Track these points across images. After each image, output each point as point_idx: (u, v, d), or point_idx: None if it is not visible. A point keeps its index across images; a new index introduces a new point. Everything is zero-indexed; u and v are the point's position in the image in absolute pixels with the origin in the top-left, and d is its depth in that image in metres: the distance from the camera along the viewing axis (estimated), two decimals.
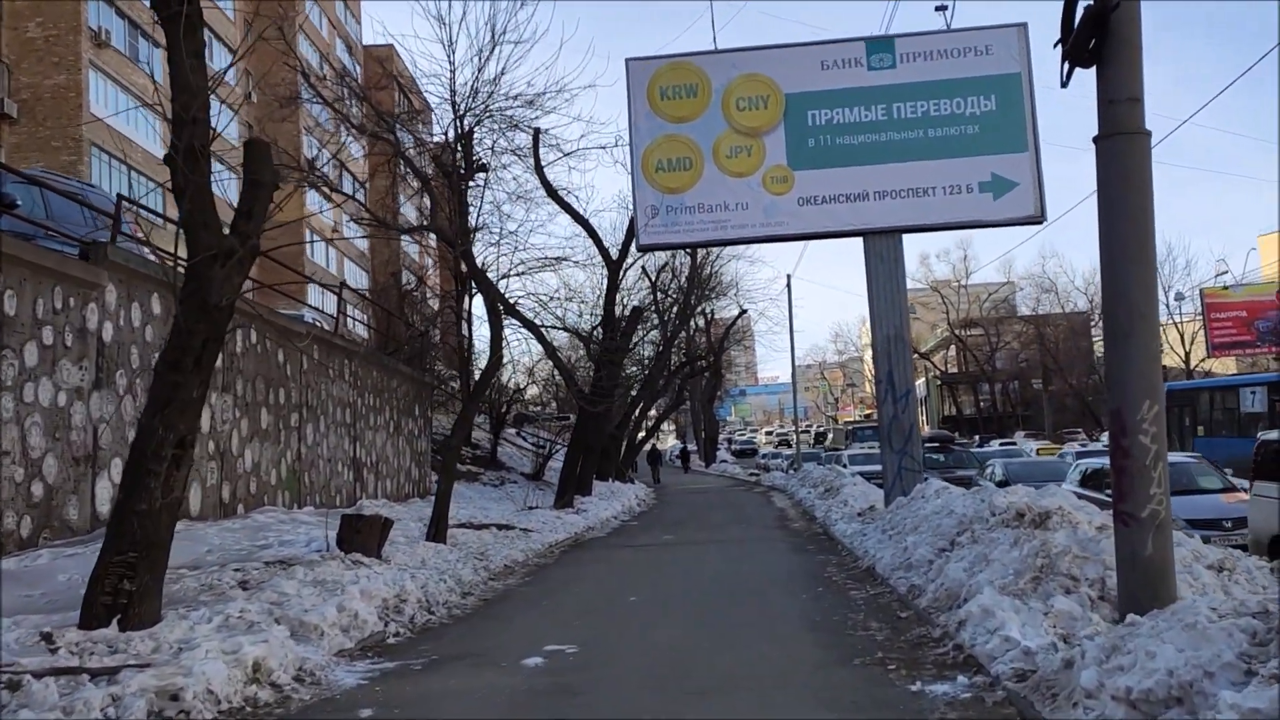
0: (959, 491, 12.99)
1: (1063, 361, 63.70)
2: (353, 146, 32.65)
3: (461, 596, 10.88)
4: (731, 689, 6.28)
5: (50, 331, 10.15)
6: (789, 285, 40.48)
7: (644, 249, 19.01)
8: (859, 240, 16.70)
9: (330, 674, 7.09)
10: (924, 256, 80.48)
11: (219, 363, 13.14)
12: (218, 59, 41.17)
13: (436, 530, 14.05)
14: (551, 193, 21.98)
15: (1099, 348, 68.34)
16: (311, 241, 46.04)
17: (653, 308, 33.51)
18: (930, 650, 6.98)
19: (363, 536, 10.85)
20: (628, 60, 17.23)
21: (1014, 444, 44.41)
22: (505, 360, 23.33)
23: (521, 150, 17.21)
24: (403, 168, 18.81)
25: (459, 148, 15.62)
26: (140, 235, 12.63)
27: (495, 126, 15.89)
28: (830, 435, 70.55)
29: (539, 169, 21.52)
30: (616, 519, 23.16)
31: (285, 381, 15.41)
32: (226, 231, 7.68)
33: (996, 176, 16.06)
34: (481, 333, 37.24)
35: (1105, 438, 44.73)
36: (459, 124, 15.29)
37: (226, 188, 10.19)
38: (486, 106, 15.34)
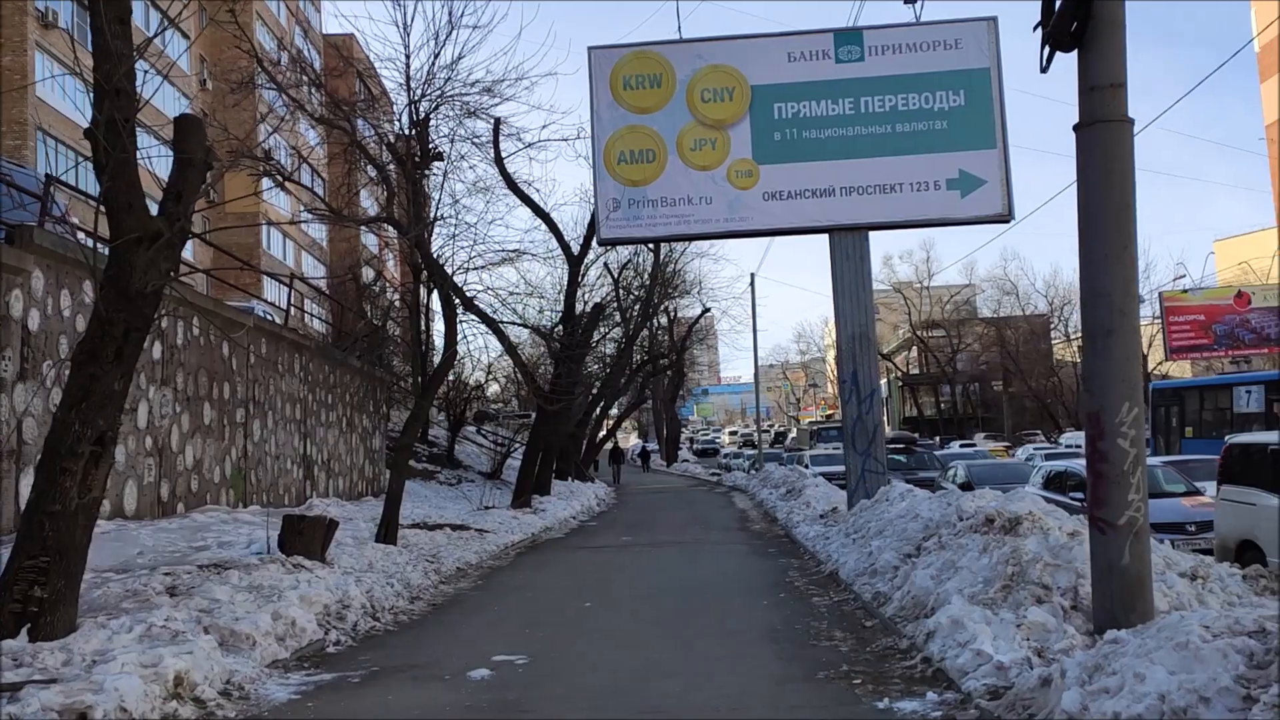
0: (924, 494, 12.71)
1: (1023, 364, 64.12)
2: (311, 136, 31.95)
3: (409, 601, 10.41)
4: (689, 708, 5.89)
5: None
6: (752, 284, 40.26)
7: (605, 243, 18.59)
8: (824, 238, 16.39)
9: (261, 687, 6.61)
10: (887, 257, 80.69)
11: (157, 355, 12.55)
12: (173, 47, 40.16)
13: (386, 531, 13.54)
14: (511, 185, 21.49)
15: (1058, 350, 69.02)
16: (266, 225, 45.02)
17: (614, 305, 33.10)
18: (897, 663, 6.64)
19: (306, 538, 10.33)
20: (590, 49, 16.78)
21: (974, 445, 44.60)
22: (462, 355, 22.79)
23: (480, 138, 16.76)
24: (360, 158, 18.24)
25: (414, 134, 15.10)
26: (74, 220, 11.99)
27: (452, 114, 15.41)
28: (791, 435, 70.54)
29: (499, 160, 21.01)
30: (575, 519, 22.73)
31: (230, 375, 14.80)
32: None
33: (964, 173, 15.82)
34: (440, 328, 36.55)
35: (1064, 439, 44.96)
36: (414, 110, 14.77)
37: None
38: (443, 92, 14.85)
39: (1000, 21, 15.99)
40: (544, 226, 23.51)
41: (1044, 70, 6.89)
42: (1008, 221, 16.09)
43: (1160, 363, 52.42)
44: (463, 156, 17.64)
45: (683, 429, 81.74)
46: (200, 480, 13.65)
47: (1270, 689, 3.52)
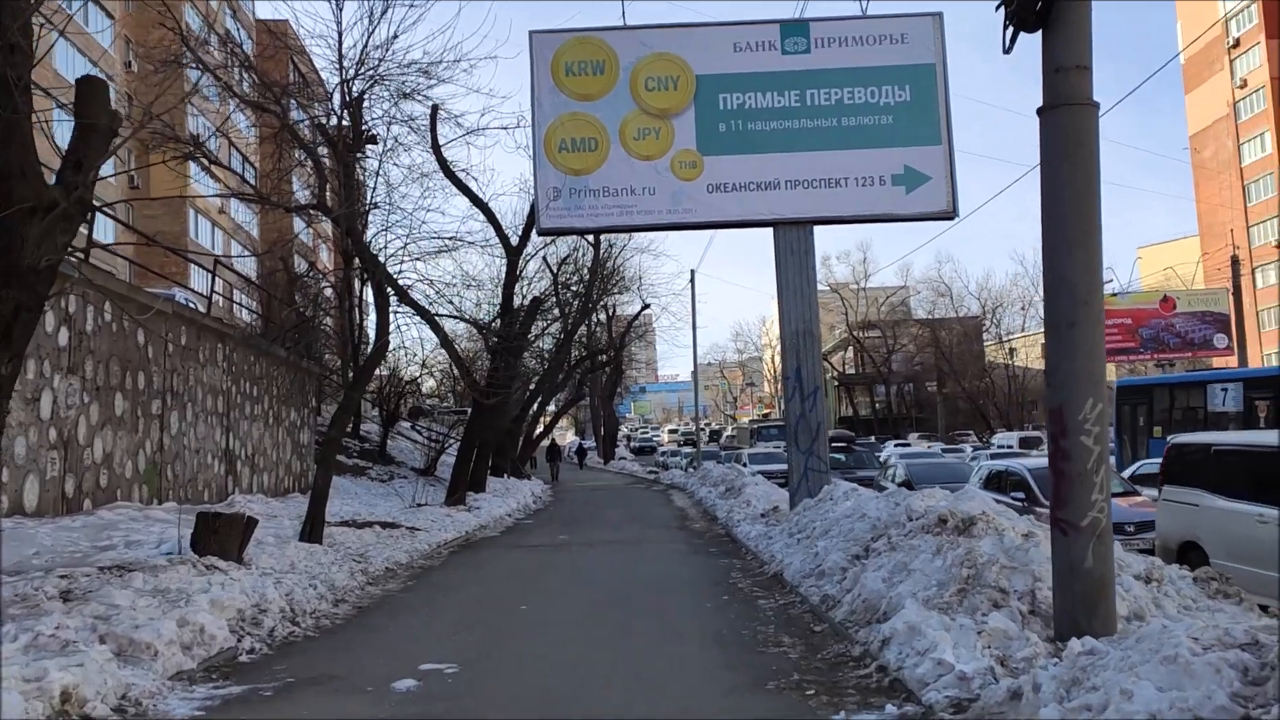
0: (869, 494, 12.48)
1: (956, 365, 64.99)
2: (240, 121, 30.79)
3: (333, 604, 9.83)
4: None
5: None
6: (692, 280, 39.96)
7: (545, 233, 18.07)
8: (767, 232, 16.12)
9: (161, 702, 6.04)
10: (825, 258, 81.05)
11: (64, 341, 11.75)
12: (94, 22, 38.55)
13: (311, 529, 12.90)
14: (449, 173, 20.83)
15: (990, 352, 70.11)
16: (193, 211, 43.56)
17: (553, 299, 32.54)
18: (851, 672, 6.29)
19: (221, 537, 9.69)
20: (531, 33, 16.26)
21: (908, 444, 44.94)
22: (394, 347, 22.03)
23: (415, 121, 16.11)
24: (291, 142, 17.44)
25: (345, 115, 14.44)
26: None
27: (387, 95, 14.76)
28: (727, 432, 70.55)
29: (436, 147, 20.34)
30: (511, 517, 22.17)
31: (146, 365, 14.00)
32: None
33: (909, 169, 15.65)
34: (374, 320, 35.56)
35: (996, 440, 45.55)
36: (346, 89, 14.12)
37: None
38: (377, 72, 14.20)
39: (945, 18, 15.86)
40: (482, 217, 22.89)
41: (1007, 51, 6.60)
42: (952, 219, 15.98)
43: None
44: (398, 140, 16.98)
45: (620, 427, 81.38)
46: (110, 475, 12.86)
47: (1271, 709, 3.22)
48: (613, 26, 16.47)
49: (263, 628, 8.24)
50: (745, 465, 28.98)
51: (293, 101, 17.32)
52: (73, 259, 8.26)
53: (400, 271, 18.31)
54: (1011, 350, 69.61)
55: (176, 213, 43.19)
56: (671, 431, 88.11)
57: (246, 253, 48.13)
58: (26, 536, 9.92)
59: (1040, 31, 6.34)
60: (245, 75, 17.41)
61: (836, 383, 78.51)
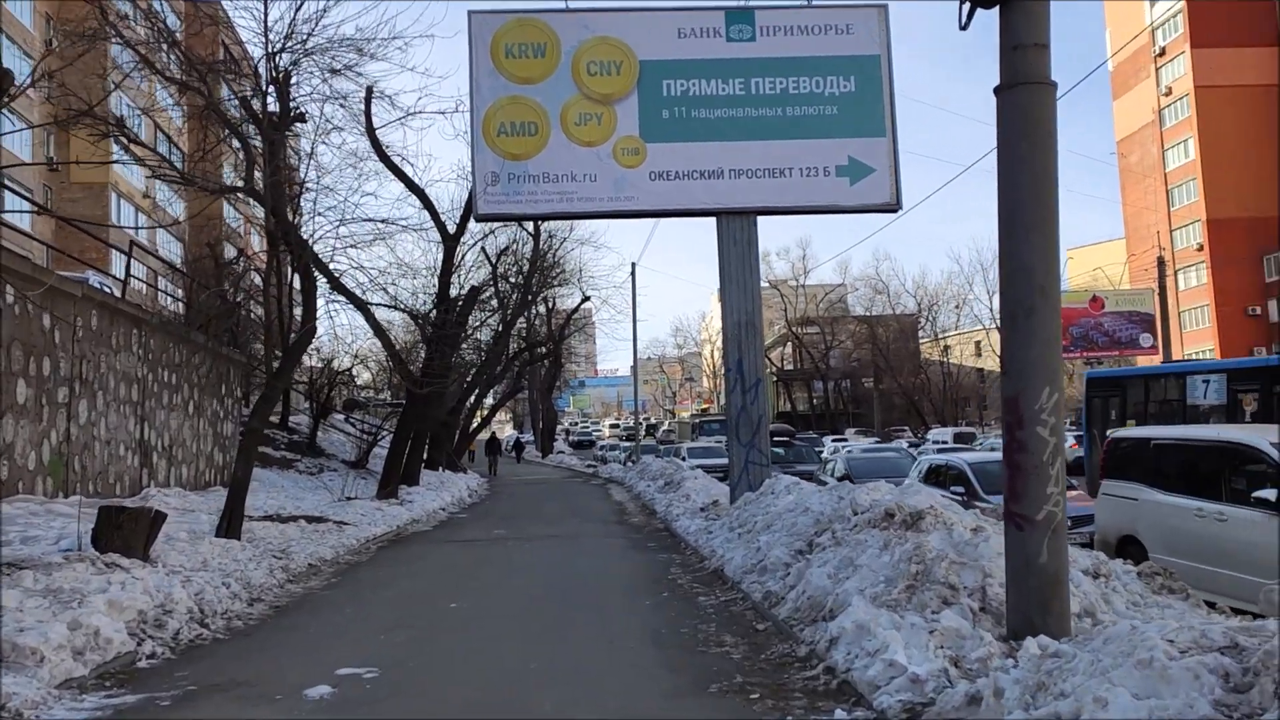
0: (811, 488, 12.26)
1: (892, 361, 65.71)
2: (164, 98, 29.60)
3: (248, 604, 9.28)
4: None
5: None
6: (633, 273, 39.65)
7: (483, 219, 17.53)
8: (709, 226, 15.83)
9: (45, 713, 5.50)
10: (765, 254, 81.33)
11: None
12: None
13: (229, 524, 12.26)
14: (383, 157, 20.19)
15: (926, 349, 71.04)
16: (115, 186, 41.99)
17: (492, 289, 31.94)
18: (797, 673, 5.98)
19: (126, 533, 9.06)
20: (470, 13, 15.71)
21: (845, 439, 45.19)
22: (322, 334, 21.31)
23: (347, 98, 15.44)
24: (217, 122, 16.63)
25: (272, 91, 13.76)
26: None
27: (317, 71, 14.09)
28: (664, 426, 70.38)
29: (370, 130, 19.69)
30: (445, 511, 21.61)
31: (53, 350, 13.20)
32: None
33: (854, 160, 15.46)
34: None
35: (931, 435, 45.89)
36: (273, 63, 13.43)
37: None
38: (305, 46, 13.54)
39: (890, 10, 15.72)
40: (418, 203, 22.25)
41: (964, 27, 6.33)
42: (895, 211, 15.82)
43: None
44: (330, 121, 16.30)
45: (559, 420, 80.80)
46: (10, 466, 12.06)
47: (1264, 718, 2.96)
48: (554, 9, 16.03)
49: (166, 630, 7.68)
50: (684, 459, 28.74)
51: (221, 81, 16.55)
52: None
53: (332, 258, 17.65)
54: (946, 347, 70.62)
55: (98, 197, 41.58)
56: (613, 426, 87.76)
57: (178, 242, 46.61)
58: None
59: (998, 7, 6.09)
60: (170, 52, 16.60)
61: (775, 378, 78.89)
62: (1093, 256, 66.85)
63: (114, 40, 17.28)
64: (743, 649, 6.79)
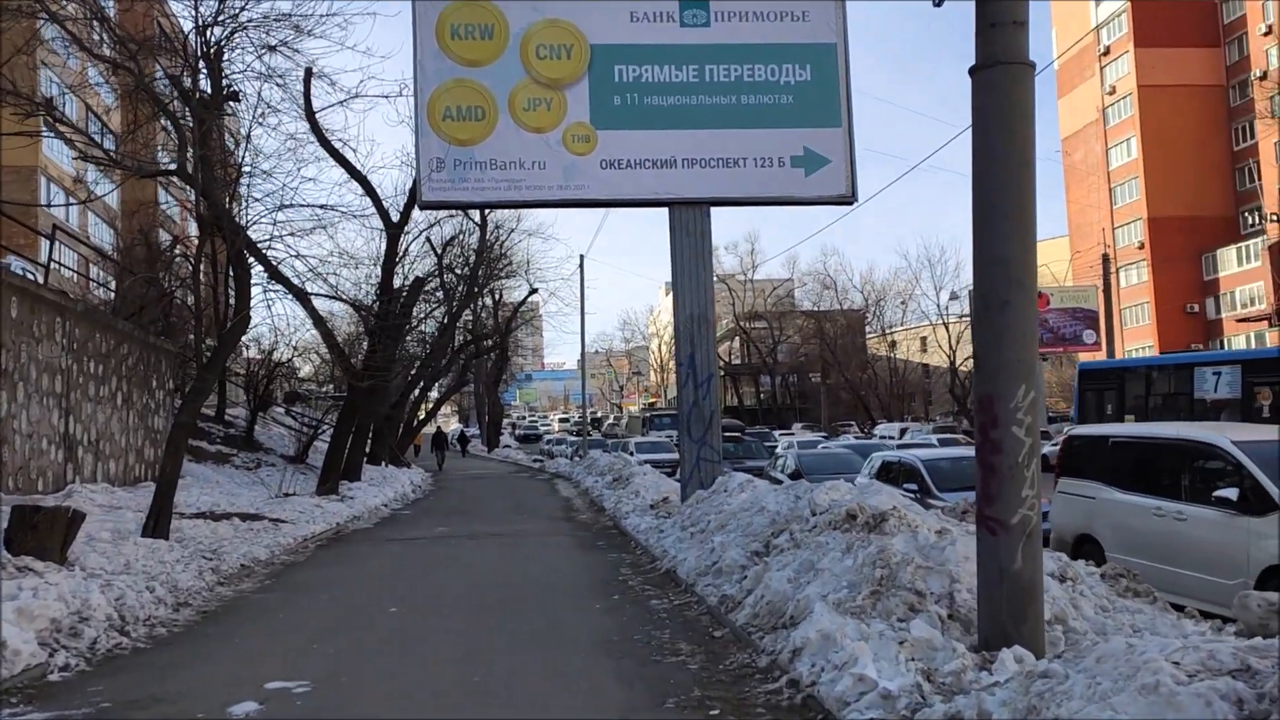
0: (766, 485, 11.97)
1: (840, 356, 66.00)
2: (101, 84, 28.42)
3: (174, 609, 8.73)
4: None
5: None
6: (581, 265, 39.17)
7: (427, 207, 16.98)
8: (659, 219, 15.49)
9: None
10: (714, 248, 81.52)
11: None
12: None
13: (157, 523, 11.64)
14: (324, 141, 19.49)
15: (872, 345, 71.52)
16: (45, 170, 40.45)
17: (437, 280, 31.27)
18: (759, 686, 5.64)
19: (41, 534, 8.46)
20: None
21: (793, 434, 45.22)
22: (259, 323, 20.54)
23: (285, 79, 14.76)
24: (148, 102, 15.84)
25: (203, 67, 13.08)
26: None
27: (251, 48, 13.41)
28: (609, 420, 70.00)
29: (310, 113, 19.00)
30: (387, 507, 21.01)
31: None
32: None
33: (809, 151, 15.19)
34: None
35: (878, 430, 46.09)
36: (203, 37, 12.75)
37: None
38: (238, 20, 12.87)
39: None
40: (361, 190, 21.56)
41: (938, 4, 6.04)
42: (851, 203, 15.59)
43: (968, 357, 54.79)
44: (268, 103, 15.57)
45: (505, 414, 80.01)
46: None
47: None
48: None
49: (83, 639, 7.14)
50: (632, 454, 28.40)
51: (154, 59, 15.77)
52: None
53: (270, 245, 16.95)
54: (893, 343, 71.15)
55: (26, 180, 40.07)
56: (563, 420, 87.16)
57: (110, 229, 45.08)
58: None
59: None
60: (102, 29, 15.79)
61: (722, 373, 78.79)
62: (1039, 252, 67.81)
63: (40, 16, 16.41)
64: (699, 658, 6.44)
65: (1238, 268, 54.57)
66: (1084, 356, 48.49)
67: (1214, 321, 56.44)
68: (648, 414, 50.32)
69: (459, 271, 33.06)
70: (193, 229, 48.21)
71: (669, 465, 26.77)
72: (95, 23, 15.84)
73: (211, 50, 12.95)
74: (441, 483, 30.80)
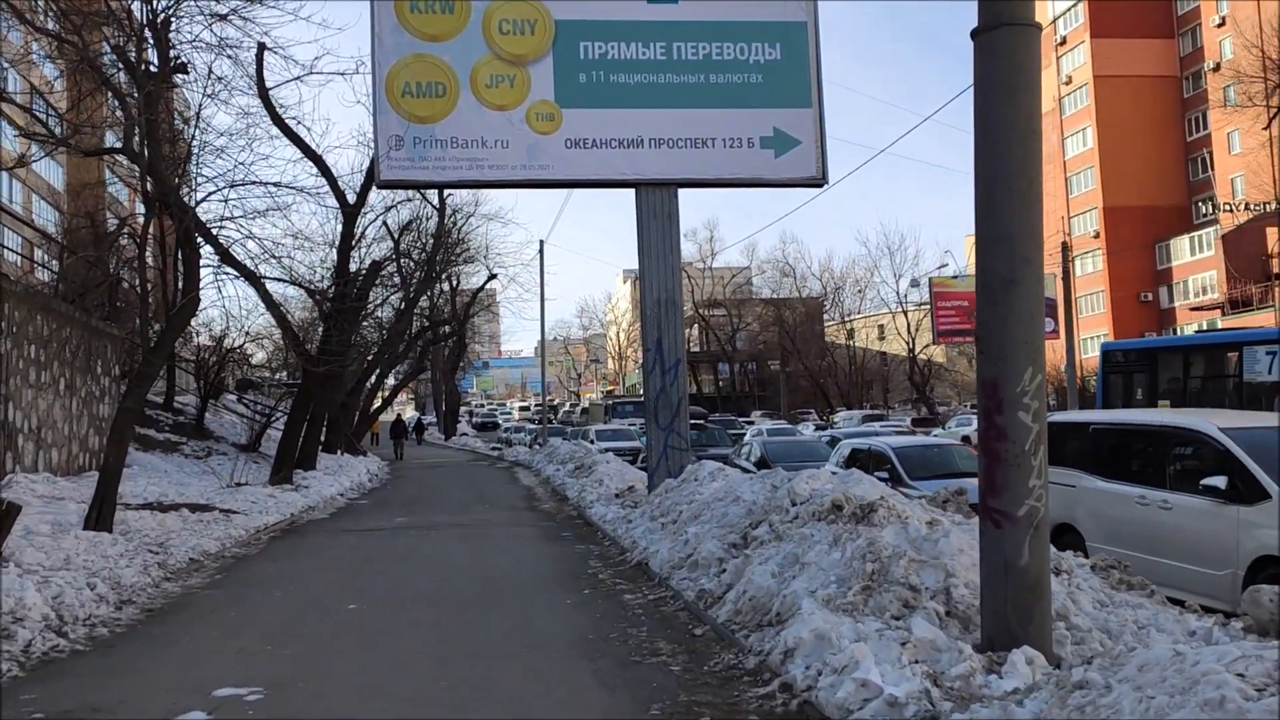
0: (739, 474, 11.64)
1: (799, 344, 66.05)
2: (42, 58, 27.30)
3: (116, 607, 8.21)
4: None
5: None
6: (541, 251, 38.59)
7: (385, 185, 16.41)
8: (621, 201, 15.13)
9: None
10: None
11: None
12: None
13: (100, 515, 11.06)
14: (277, 119, 18.80)
15: (831, 332, 71.69)
16: None
17: (394, 263, 30.57)
18: (748, 690, 5.29)
19: None
20: None
21: (752, 422, 45.10)
22: (209, 305, 19.79)
23: (236, 51, 14.07)
24: (93, 77, 15.06)
25: (149, 36, 12.40)
26: None
27: (200, 17, 12.73)
28: (565, 407, 69.47)
29: (262, 90, 18.32)
30: (343, 497, 20.42)
31: None
32: None
33: (779, 132, 14.85)
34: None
35: (838, 419, 46.04)
36: (149, 6, 12.09)
37: None
38: None
39: None
40: (316, 170, 20.86)
41: None
42: (821, 185, 15.29)
43: (927, 345, 55.09)
44: (219, 77, 14.81)
45: (463, 402, 79.19)
46: None
47: None
48: None
49: (16, 641, 6.63)
50: (593, 442, 28.01)
51: (101, 32, 15.00)
52: None
53: (221, 226, 16.26)
54: (851, 331, 71.39)
55: None
56: (523, 409, 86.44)
57: (55, 211, 43.61)
58: None
59: None
60: (45, 2, 14.98)
61: None
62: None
63: None
64: (682, 659, 6.07)
65: (1191, 257, 55.32)
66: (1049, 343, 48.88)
67: (1167, 310, 57.21)
68: (611, 401, 49.84)
69: (416, 257, 32.38)
70: (141, 211, 46.88)
71: (630, 453, 26.44)
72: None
73: (158, 19, 12.28)
74: (399, 471, 30.19)
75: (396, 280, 31.71)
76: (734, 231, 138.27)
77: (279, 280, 20.51)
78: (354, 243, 23.81)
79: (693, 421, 26.11)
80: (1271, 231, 49.64)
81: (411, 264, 32.20)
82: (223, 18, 12.65)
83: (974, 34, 5.44)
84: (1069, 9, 60.94)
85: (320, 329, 23.33)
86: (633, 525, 11.58)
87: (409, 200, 30.45)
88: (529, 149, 14.65)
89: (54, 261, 29.66)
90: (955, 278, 48.71)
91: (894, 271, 69.50)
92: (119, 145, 15.51)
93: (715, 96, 14.88)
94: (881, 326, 69.24)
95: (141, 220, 41.09)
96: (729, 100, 14.88)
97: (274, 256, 16.64)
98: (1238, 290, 48.83)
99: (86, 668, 6.41)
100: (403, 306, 32.42)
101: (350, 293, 21.71)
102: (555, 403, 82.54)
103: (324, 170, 20.56)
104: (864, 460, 14.59)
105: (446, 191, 30.62)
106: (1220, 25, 53.78)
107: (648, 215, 14.86)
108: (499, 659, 6.24)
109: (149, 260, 30.45)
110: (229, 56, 14.05)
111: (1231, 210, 46.36)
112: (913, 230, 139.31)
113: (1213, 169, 55.83)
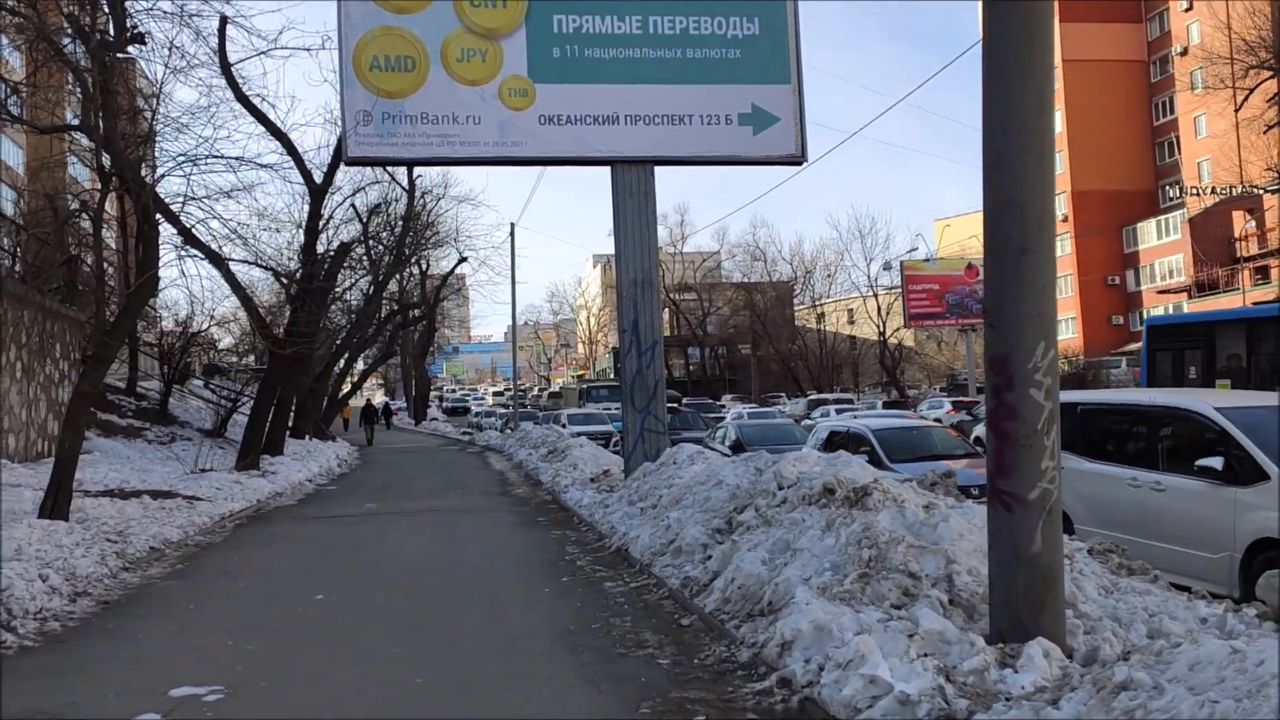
0: (719, 457, 11.36)
1: (770, 328, 65.91)
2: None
3: (70, 600, 7.80)
4: None
5: None
6: (512, 234, 38.06)
7: (353, 163, 15.93)
8: (595, 181, 14.77)
9: None
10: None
11: None
12: None
13: (55, 502, 10.59)
14: (240, 95, 18.21)
15: (801, 316, 71.61)
16: None
17: (362, 248, 29.96)
18: (744, 685, 4.99)
19: None
20: None
21: (725, 406, 44.93)
22: (167, 284, 19.17)
23: (196, 21, 13.54)
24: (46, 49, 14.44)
25: (102, 3, 11.84)
26: None
27: None
28: (534, 391, 69.06)
29: (225, 65, 17.70)
30: (312, 483, 19.96)
31: None
32: None
33: (757, 109, 14.53)
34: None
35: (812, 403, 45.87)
36: None
37: None
38: None
39: None
40: (281, 148, 20.27)
41: None
42: (800, 164, 14.98)
43: (898, 329, 55.13)
44: (180, 50, 14.16)
45: (433, 387, 78.48)
46: None
47: None
48: None
49: None
50: (565, 426, 27.67)
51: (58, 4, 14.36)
52: None
53: (184, 206, 15.68)
54: (821, 315, 71.36)
55: None
56: (497, 394, 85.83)
57: (13, 191, 42.38)
58: None
59: None
60: None
61: None
62: (964, 226, 68.50)
63: None
64: (670, 651, 5.77)
65: (1157, 240, 55.69)
66: None
67: (1134, 293, 57.61)
68: (585, 385, 49.45)
69: (385, 241, 31.76)
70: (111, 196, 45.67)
71: (602, 437, 26.09)
72: None
73: None
74: (369, 457, 29.70)
75: (365, 264, 31.12)
76: (704, 215, 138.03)
77: (244, 262, 19.93)
78: (322, 225, 23.25)
79: (672, 405, 25.89)
80: (1238, 215, 50.08)
81: (381, 247, 31.60)
82: None
83: None
84: None
85: (287, 311, 22.75)
86: (610, 510, 11.27)
87: (377, 182, 29.88)
88: (501, 125, 14.24)
89: (10, 242, 28.76)
90: (926, 260, 48.74)
91: (865, 255, 69.40)
92: (76, 122, 14.93)
93: (693, 72, 14.52)
94: (851, 310, 69.23)
95: (96, 189, 40.01)
96: (707, 76, 14.53)
97: (239, 237, 16.06)
98: (1204, 274, 49.20)
99: (35, 667, 6.01)
100: (371, 290, 31.84)
101: (318, 274, 21.17)
102: (524, 387, 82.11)
103: (290, 149, 20.00)
104: (842, 442, 14.32)
105: (416, 171, 30.06)
106: (1188, 10, 54.01)
107: (623, 194, 14.50)
108: (475, 654, 5.91)
109: (110, 241, 29.64)
110: (189, 26, 13.51)
111: (1198, 194, 46.61)
112: (883, 214, 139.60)
113: (1179, 153, 56.17)
